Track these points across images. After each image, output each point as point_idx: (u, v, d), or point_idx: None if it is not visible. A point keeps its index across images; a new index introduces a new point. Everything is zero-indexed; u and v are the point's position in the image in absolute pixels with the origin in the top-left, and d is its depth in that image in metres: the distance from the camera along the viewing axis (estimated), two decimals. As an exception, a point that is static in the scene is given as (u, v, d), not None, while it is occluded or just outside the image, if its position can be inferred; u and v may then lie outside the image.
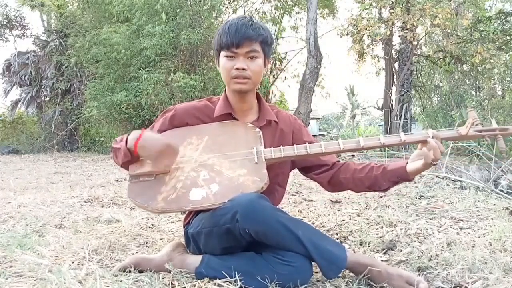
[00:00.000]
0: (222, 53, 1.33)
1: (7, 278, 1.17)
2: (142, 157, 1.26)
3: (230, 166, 1.28)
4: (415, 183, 3.08)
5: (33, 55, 12.41)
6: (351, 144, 1.31)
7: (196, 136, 1.36)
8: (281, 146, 1.32)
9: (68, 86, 11.64)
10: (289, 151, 1.31)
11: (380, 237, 1.76)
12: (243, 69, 1.30)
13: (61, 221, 2.09)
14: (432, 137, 1.24)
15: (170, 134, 1.37)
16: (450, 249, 1.53)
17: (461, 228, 1.83)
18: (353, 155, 5.47)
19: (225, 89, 1.43)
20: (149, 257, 1.33)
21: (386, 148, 4.22)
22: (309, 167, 1.49)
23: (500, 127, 1.28)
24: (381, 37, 8.72)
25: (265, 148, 1.31)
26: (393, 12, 7.88)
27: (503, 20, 8.84)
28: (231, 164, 1.28)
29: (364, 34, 8.35)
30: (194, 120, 1.40)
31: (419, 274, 1.30)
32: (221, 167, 1.28)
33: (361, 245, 1.67)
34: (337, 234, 1.86)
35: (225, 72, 1.33)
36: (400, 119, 8.81)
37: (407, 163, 1.32)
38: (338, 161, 1.47)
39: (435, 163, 1.24)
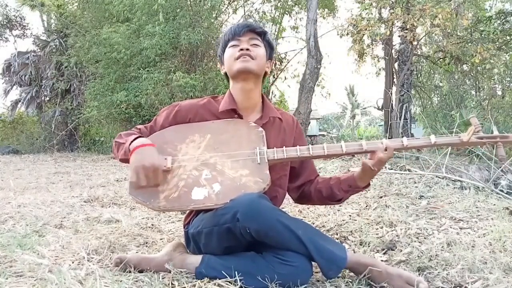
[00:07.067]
0: (228, 46, 1.39)
1: (7, 278, 1.17)
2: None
3: (232, 166, 1.27)
4: (415, 183, 3.08)
5: (33, 55, 12.42)
6: (354, 147, 1.31)
7: (198, 133, 1.35)
8: (284, 145, 1.33)
9: (68, 86, 11.65)
10: (292, 152, 1.30)
11: (380, 237, 1.76)
12: (247, 49, 1.34)
13: (61, 221, 2.09)
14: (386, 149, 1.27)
15: (174, 130, 1.37)
16: (450, 249, 1.53)
17: (461, 228, 1.83)
18: (353, 156, 5.46)
19: (229, 88, 1.44)
20: (149, 257, 1.33)
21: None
22: (297, 177, 1.50)
23: (500, 134, 1.28)
24: (381, 37, 8.69)
25: (268, 147, 1.31)
26: (393, 12, 7.86)
27: (503, 20, 8.84)
28: (234, 164, 1.28)
29: (364, 34, 8.33)
30: (197, 116, 1.40)
31: (419, 274, 1.30)
32: (223, 166, 1.27)
33: (361, 245, 1.67)
34: (337, 234, 1.86)
35: (230, 57, 1.37)
36: (400, 119, 8.80)
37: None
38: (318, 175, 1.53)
39: (373, 168, 1.27)
